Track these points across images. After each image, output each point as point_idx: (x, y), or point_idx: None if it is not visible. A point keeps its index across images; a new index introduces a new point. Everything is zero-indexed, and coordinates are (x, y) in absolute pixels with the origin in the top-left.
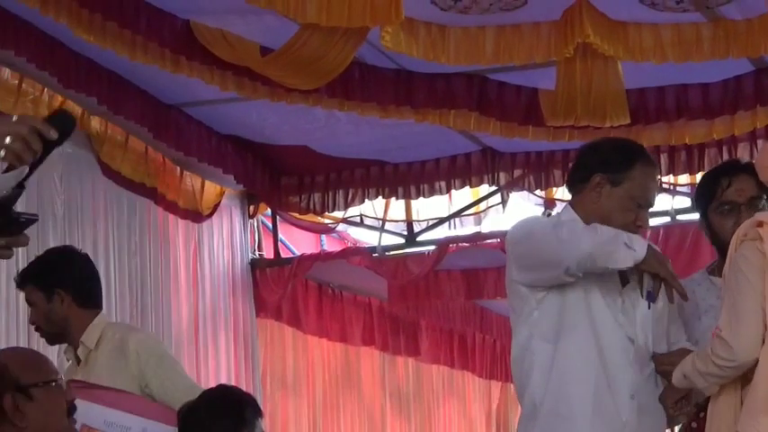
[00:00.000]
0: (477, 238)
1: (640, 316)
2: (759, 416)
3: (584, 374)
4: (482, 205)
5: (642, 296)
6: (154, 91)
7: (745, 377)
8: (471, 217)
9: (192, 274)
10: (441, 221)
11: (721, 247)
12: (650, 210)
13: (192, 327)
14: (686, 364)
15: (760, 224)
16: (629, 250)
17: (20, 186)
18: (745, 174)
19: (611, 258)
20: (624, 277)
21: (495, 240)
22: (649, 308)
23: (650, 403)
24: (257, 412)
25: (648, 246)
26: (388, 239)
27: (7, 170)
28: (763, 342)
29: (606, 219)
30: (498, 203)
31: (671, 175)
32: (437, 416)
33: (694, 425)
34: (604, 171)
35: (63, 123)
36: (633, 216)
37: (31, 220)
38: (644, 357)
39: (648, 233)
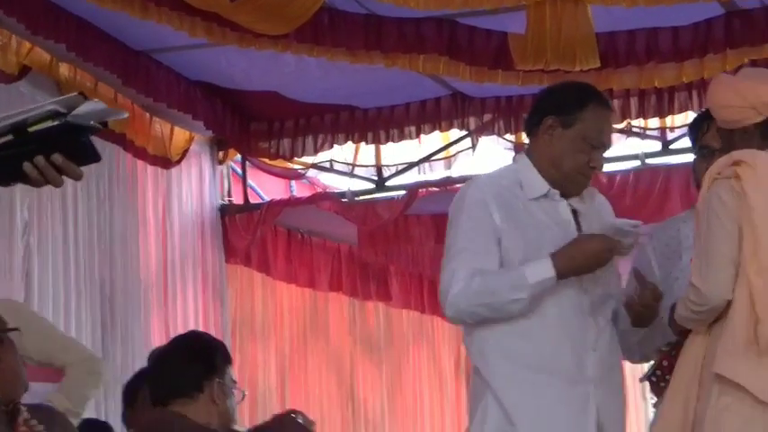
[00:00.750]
0: (446, 182)
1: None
2: (738, 358)
3: (541, 330)
4: (452, 150)
5: None
6: (123, 37)
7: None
8: (441, 161)
9: (161, 221)
10: (410, 166)
11: (698, 187)
12: (620, 154)
13: (161, 273)
14: (677, 310)
15: (737, 162)
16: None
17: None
18: None
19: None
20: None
21: (464, 185)
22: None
23: (611, 355)
24: (227, 359)
25: (556, 260)
26: (358, 184)
27: None
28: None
29: (558, 161)
30: (468, 148)
31: (641, 119)
32: (406, 361)
33: (665, 363)
34: (556, 113)
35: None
36: (586, 158)
37: (95, 157)
38: (599, 308)
39: (617, 178)
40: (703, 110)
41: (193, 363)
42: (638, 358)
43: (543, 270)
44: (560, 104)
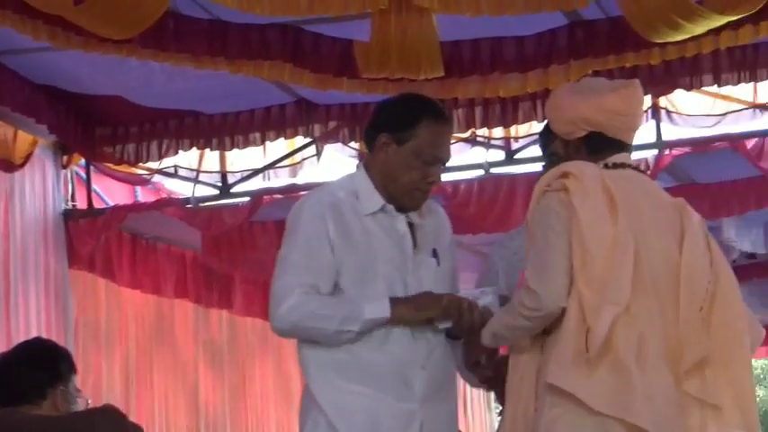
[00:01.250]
0: (291, 189)
1: (427, 284)
2: (569, 367)
3: (368, 347)
4: (297, 157)
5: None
6: None
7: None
8: (286, 168)
9: (3, 225)
10: (255, 173)
11: None
12: (464, 163)
13: (2, 277)
14: (494, 323)
15: (565, 174)
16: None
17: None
18: None
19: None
20: (414, 244)
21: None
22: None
23: (443, 373)
24: (72, 367)
25: (394, 305)
26: (203, 191)
27: None
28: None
29: (393, 177)
30: (313, 155)
31: (485, 129)
32: (251, 369)
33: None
34: (389, 130)
35: None
36: (420, 174)
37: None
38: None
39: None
40: None
41: (37, 370)
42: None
43: (381, 310)
44: (393, 121)
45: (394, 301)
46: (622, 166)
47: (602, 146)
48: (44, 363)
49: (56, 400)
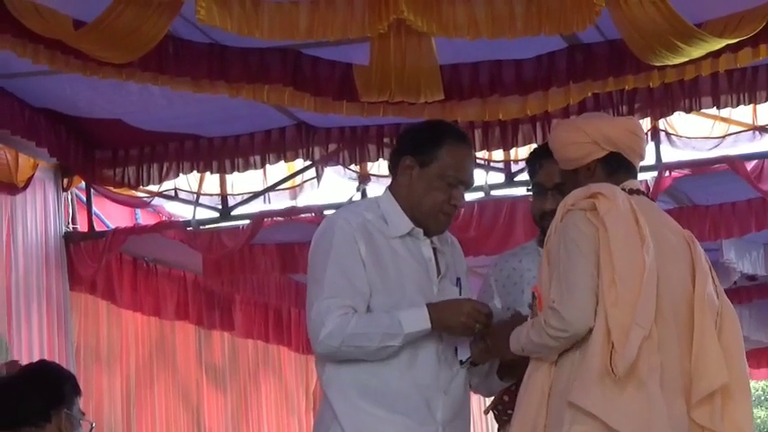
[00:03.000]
0: (291, 212)
1: None
2: (591, 387)
3: (393, 370)
4: (297, 179)
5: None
6: None
7: None
8: (286, 191)
9: (5, 248)
10: (255, 195)
11: (536, 222)
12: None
13: (5, 300)
14: (521, 336)
15: (594, 195)
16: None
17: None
18: (554, 159)
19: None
20: (438, 269)
21: (310, 215)
22: (462, 364)
23: (462, 396)
24: (76, 390)
25: (431, 312)
26: (203, 213)
27: None
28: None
29: (417, 201)
30: (313, 178)
31: (485, 151)
32: (253, 390)
33: (506, 397)
34: (413, 153)
35: None
36: (444, 196)
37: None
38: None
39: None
40: (539, 145)
41: (42, 392)
42: (485, 393)
43: (419, 321)
44: (417, 144)
45: (430, 310)
46: (638, 192)
47: (618, 168)
48: (48, 385)
49: (60, 422)
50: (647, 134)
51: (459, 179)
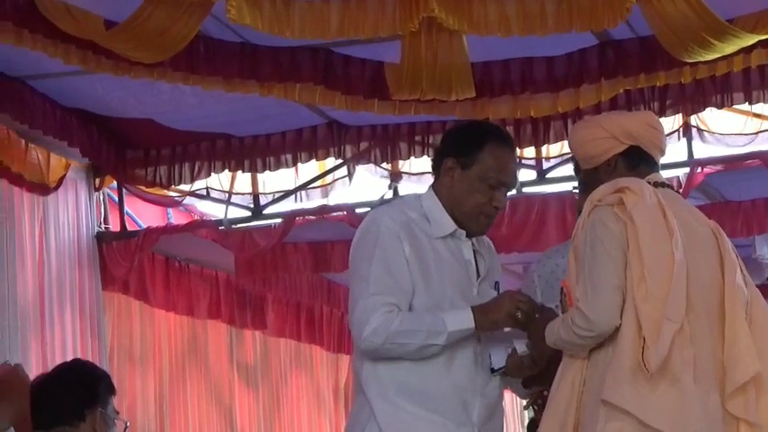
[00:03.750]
0: (323, 210)
1: None
2: (624, 383)
3: (432, 370)
4: (328, 178)
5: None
6: None
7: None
8: (318, 190)
9: (38, 248)
10: (287, 194)
11: None
12: None
13: (38, 301)
14: (554, 331)
15: (621, 190)
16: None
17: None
18: None
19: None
20: (478, 272)
21: (341, 213)
22: (494, 373)
23: (497, 398)
24: (110, 389)
25: (476, 313)
26: (235, 212)
27: None
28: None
29: (458, 202)
30: (345, 176)
31: (517, 148)
32: (285, 389)
33: (546, 393)
34: (455, 155)
35: None
36: (485, 198)
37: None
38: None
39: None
40: None
41: (75, 391)
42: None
43: (463, 320)
44: (459, 145)
45: (474, 311)
46: (662, 185)
47: (640, 161)
48: (82, 384)
49: (94, 422)
50: (678, 130)
51: (500, 181)
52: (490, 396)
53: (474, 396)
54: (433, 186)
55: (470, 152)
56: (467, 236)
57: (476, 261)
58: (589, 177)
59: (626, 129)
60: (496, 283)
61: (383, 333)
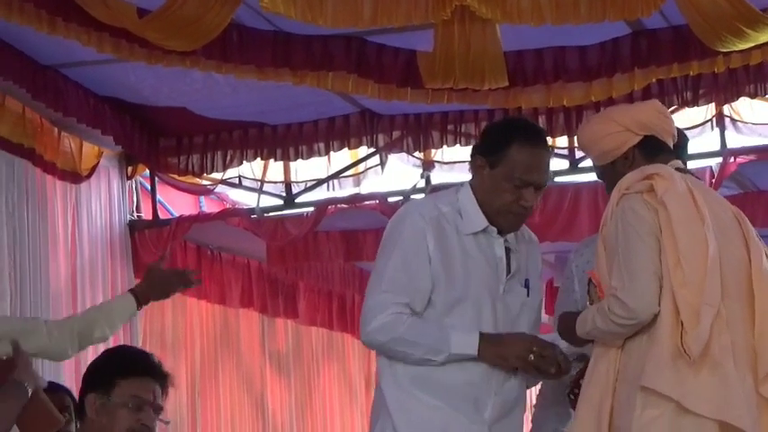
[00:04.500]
0: (355, 199)
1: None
2: (664, 369)
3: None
4: (361, 167)
5: None
6: (31, 52)
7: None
8: (350, 178)
9: (70, 236)
10: (319, 183)
11: None
12: None
13: (71, 289)
14: (587, 321)
15: (650, 177)
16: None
17: None
18: None
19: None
20: (509, 269)
21: (373, 202)
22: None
23: (516, 395)
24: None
25: (483, 343)
26: (267, 201)
27: None
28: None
29: (488, 200)
30: (377, 165)
31: (549, 137)
32: (317, 378)
33: (577, 391)
34: (483, 153)
35: None
36: (512, 197)
37: None
38: None
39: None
40: None
41: (131, 376)
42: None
43: (468, 345)
44: (487, 144)
45: (483, 339)
46: (685, 171)
47: (657, 149)
48: (88, 371)
49: (91, 408)
50: (711, 120)
51: (525, 181)
52: (507, 395)
53: (488, 394)
54: (470, 181)
55: (497, 151)
56: (498, 232)
57: (508, 258)
58: (606, 173)
59: (639, 119)
60: (526, 280)
61: (387, 334)
